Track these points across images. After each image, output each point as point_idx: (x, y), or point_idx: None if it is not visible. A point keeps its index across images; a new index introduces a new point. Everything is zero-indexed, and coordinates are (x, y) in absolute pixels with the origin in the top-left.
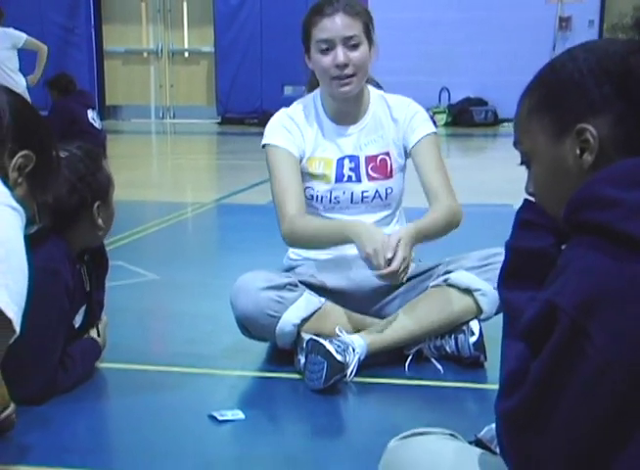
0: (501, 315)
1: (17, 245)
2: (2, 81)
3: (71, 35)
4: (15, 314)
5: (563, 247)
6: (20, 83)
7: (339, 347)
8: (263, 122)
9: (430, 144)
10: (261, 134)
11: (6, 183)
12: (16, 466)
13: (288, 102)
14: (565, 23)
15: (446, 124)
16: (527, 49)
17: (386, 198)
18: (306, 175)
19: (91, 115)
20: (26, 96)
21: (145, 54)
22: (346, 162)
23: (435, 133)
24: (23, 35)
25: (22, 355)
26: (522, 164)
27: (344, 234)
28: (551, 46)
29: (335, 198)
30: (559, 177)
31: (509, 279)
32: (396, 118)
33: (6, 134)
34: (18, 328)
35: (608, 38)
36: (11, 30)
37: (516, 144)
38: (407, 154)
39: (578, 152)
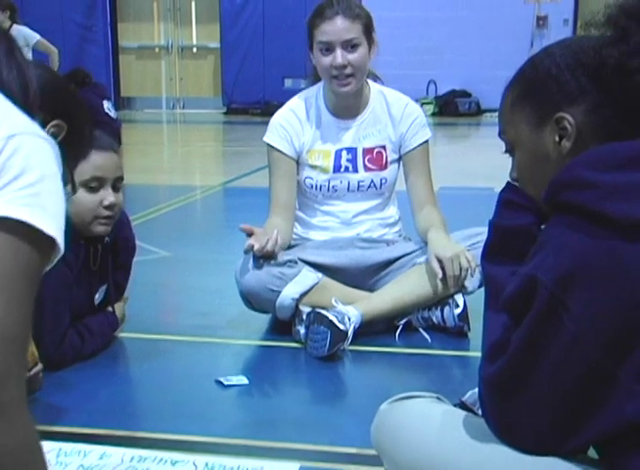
0: (483, 289)
1: (51, 169)
2: None
3: (89, 32)
4: (56, 233)
5: (542, 226)
6: None
7: (336, 317)
8: (266, 112)
9: (422, 154)
10: (264, 123)
11: None
12: (39, 425)
13: (288, 93)
14: (542, 21)
15: (433, 114)
16: (508, 45)
17: (380, 187)
18: (306, 166)
19: (106, 105)
20: None
21: (157, 49)
22: (344, 153)
23: (428, 140)
24: (37, 36)
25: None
26: (506, 152)
27: None
28: (529, 43)
29: (332, 187)
30: (540, 162)
31: (492, 255)
32: (394, 116)
33: (33, 103)
34: (62, 247)
35: (581, 35)
36: (25, 29)
37: (500, 134)
38: (400, 153)
39: (557, 139)
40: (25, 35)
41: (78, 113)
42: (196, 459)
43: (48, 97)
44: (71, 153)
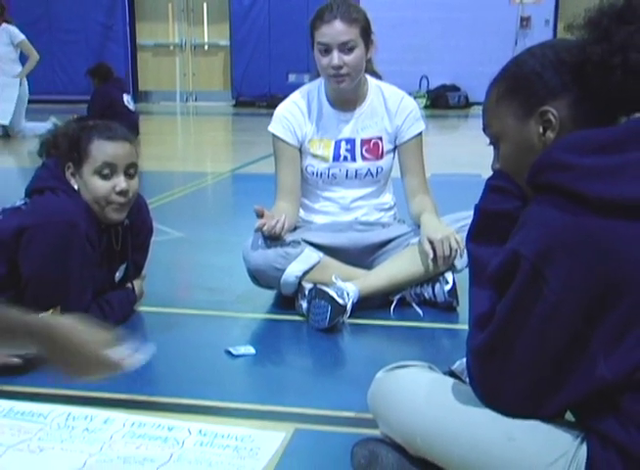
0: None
1: None
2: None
3: (110, 31)
4: None
5: None
6: (12, 73)
7: (336, 292)
8: (271, 104)
9: (416, 146)
10: (269, 115)
11: None
12: (63, 390)
13: (291, 87)
14: (525, 21)
15: (425, 107)
16: (494, 43)
17: (376, 175)
18: (308, 155)
19: (126, 98)
20: (15, 82)
21: (171, 47)
22: (343, 144)
23: (421, 133)
24: (21, 36)
25: (57, 297)
26: (490, 144)
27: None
28: (513, 41)
29: (332, 174)
30: (525, 152)
31: (477, 237)
32: (390, 110)
33: None
34: None
35: (559, 38)
36: (10, 27)
37: (485, 129)
38: (396, 144)
39: (541, 130)
40: (11, 33)
41: None
42: (191, 426)
43: None
44: None
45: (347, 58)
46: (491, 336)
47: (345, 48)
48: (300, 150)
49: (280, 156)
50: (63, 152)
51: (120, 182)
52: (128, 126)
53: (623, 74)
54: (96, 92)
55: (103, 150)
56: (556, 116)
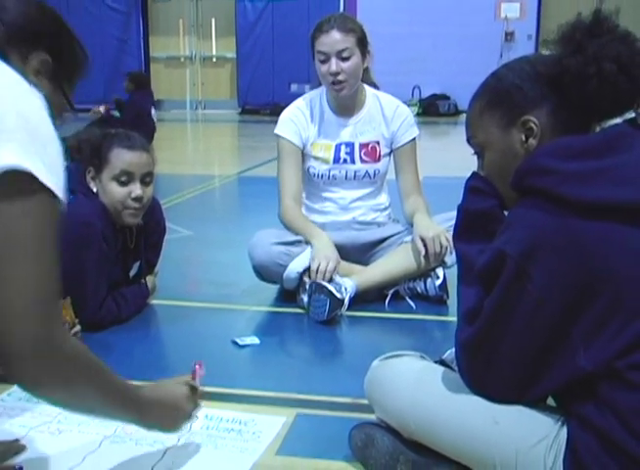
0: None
1: (40, 115)
2: None
3: (125, 45)
4: (54, 184)
5: (505, 212)
6: None
7: (334, 287)
8: (274, 112)
9: (411, 150)
10: (273, 122)
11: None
12: None
13: (293, 96)
14: (509, 36)
15: (418, 115)
16: (480, 56)
17: (374, 177)
18: (310, 157)
19: (153, 111)
20: None
21: (182, 59)
22: (343, 147)
23: (415, 138)
24: None
25: (75, 290)
26: (475, 154)
27: (310, 240)
28: (499, 54)
29: (332, 176)
30: (509, 159)
31: (462, 235)
32: (387, 116)
33: (2, 37)
34: (61, 194)
35: (533, 53)
36: None
37: (469, 140)
38: (391, 148)
39: (524, 138)
40: None
41: (64, 37)
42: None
43: (20, 29)
44: (63, 78)
45: (345, 65)
46: (479, 330)
47: (343, 56)
48: (303, 152)
49: (284, 156)
50: (85, 157)
51: (136, 189)
52: (144, 137)
53: (599, 83)
54: (132, 99)
55: (121, 158)
56: (537, 124)
